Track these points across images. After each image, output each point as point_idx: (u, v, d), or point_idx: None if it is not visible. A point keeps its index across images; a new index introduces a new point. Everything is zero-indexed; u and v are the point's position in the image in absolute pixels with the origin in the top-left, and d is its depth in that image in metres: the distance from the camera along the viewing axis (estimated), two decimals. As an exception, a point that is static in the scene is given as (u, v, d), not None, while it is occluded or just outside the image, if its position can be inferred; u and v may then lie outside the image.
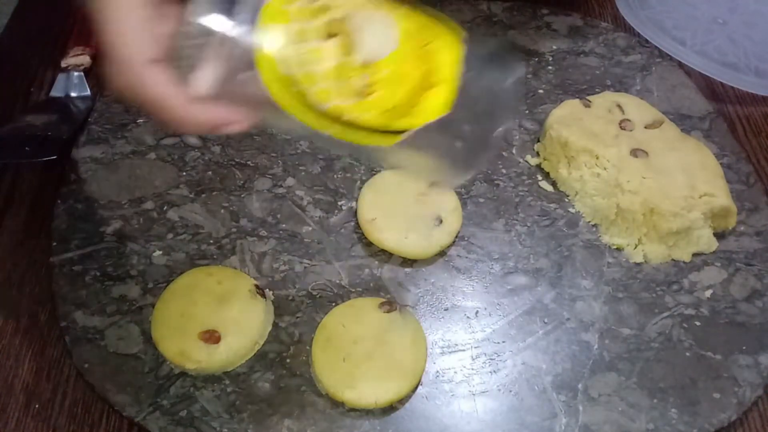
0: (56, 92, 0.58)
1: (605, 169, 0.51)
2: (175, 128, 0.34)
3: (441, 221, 0.49)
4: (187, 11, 0.32)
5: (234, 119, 0.34)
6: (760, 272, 0.50)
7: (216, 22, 0.31)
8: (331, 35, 0.31)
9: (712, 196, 0.50)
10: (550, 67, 0.61)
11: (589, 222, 0.52)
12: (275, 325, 0.46)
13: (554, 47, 0.63)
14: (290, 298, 0.47)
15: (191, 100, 0.33)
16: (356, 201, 0.51)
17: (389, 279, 0.48)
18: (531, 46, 0.63)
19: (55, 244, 0.48)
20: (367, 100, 0.32)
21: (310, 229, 0.50)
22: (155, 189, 0.52)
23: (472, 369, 0.45)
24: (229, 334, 0.43)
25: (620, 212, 0.50)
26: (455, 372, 0.45)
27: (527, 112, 0.58)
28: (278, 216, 0.51)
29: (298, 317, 0.46)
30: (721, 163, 0.53)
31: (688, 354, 0.46)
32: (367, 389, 0.42)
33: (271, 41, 0.31)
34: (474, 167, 0.36)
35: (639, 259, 0.50)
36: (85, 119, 0.56)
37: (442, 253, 0.50)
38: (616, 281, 0.49)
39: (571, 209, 0.53)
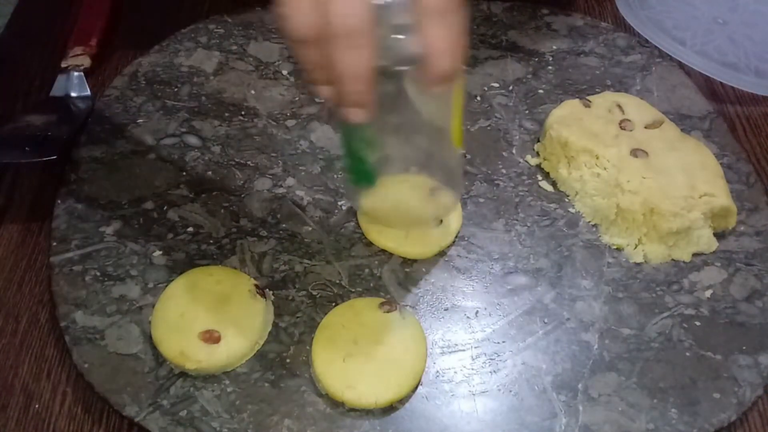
0: (56, 92, 0.58)
1: (605, 169, 0.51)
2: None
3: (441, 221, 0.49)
4: None
5: (367, 103, 0.36)
6: (760, 272, 0.50)
7: None
8: None
9: (712, 196, 0.50)
10: (550, 67, 0.61)
11: (589, 222, 0.52)
12: (275, 325, 0.46)
13: (554, 47, 0.63)
14: (290, 298, 0.47)
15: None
16: (356, 201, 0.51)
17: (389, 279, 0.48)
18: (531, 46, 0.63)
19: (54, 244, 0.48)
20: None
21: (310, 229, 0.50)
22: (155, 189, 0.52)
23: (472, 369, 0.45)
24: (229, 334, 0.43)
25: (620, 212, 0.50)
26: (455, 372, 0.45)
27: (527, 112, 0.58)
28: (278, 216, 0.51)
29: (298, 317, 0.46)
30: (721, 163, 0.53)
31: (688, 354, 0.46)
32: (367, 389, 0.42)
33: None
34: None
35: (639, 259, 0.50)
36: (85, 119, 0.56)
37: (442, 253, 0.50)
38: (616, 281, 0.49)
39: (571, 209, 0.53)
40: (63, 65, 0.59)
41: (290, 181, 0.53)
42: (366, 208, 0.47)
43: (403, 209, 0.46)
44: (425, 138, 0.42)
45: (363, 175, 0.44)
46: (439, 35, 0.34)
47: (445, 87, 0.37)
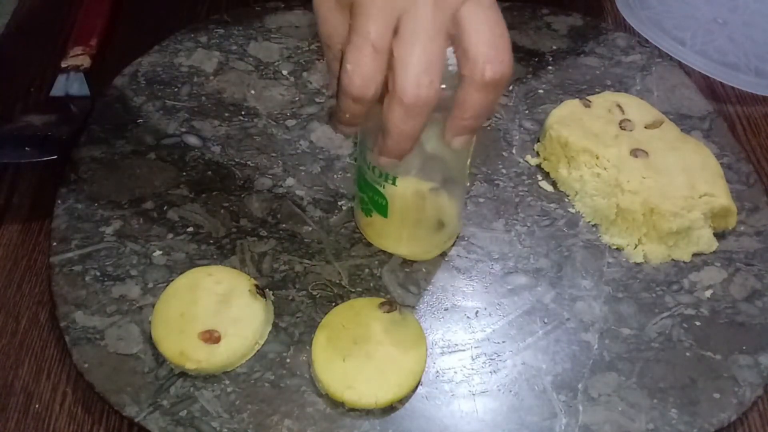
0: (56, 92, 0.57)
1: (605, 169, 0.51)
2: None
3: (442, 224, 0.49)
4: None
5: (405, 155, 0.37)
6: (760, 272, 0.50)
7: None
8: None
9: (712, 196, 0.50)
10: (550, 67, 0.61)
11: (589, 222, 0.52)
12: (275, 325, 0.46)
13: (554, 47, 0.63)
14: (290, 298, 0.47)
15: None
16: (356, 201, 0.51)
17: (389, 279, 0.48)
18: (531, 46, 0.63)
19: (54, 244, 0.48)
20: None
21: (310, 229, 0.50)
22: (155, 189, 0.52)
23: (472, 369, 0.45)
24: (229, 334, 0.43)
25: (620, 212, 0.50)
26: (455, 372, 0.45)
27: (527, 112, 0.58)
28: (278, 216, 0.51)
29: (298, 317, 0.46)
30: (721, 163, 0.53)
31: (688, 354, 0.46)
32: (367, 389, 0.42)
33: None
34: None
35: (639, 259, 0.50)
36: (85, 119, 0.56)
37: (442, 253, 0.50)
38: (616, 281, 0.49)
39: (571, 209, 0.53)
40: (63, 65, 0.59)
41: (290, 181, 0.53)
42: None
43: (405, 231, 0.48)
44: (438, 174, 0.45)
45: (376, 208, 0.46)
46: (478, 101, 0.35)
47: (467, 140, 0.37)
